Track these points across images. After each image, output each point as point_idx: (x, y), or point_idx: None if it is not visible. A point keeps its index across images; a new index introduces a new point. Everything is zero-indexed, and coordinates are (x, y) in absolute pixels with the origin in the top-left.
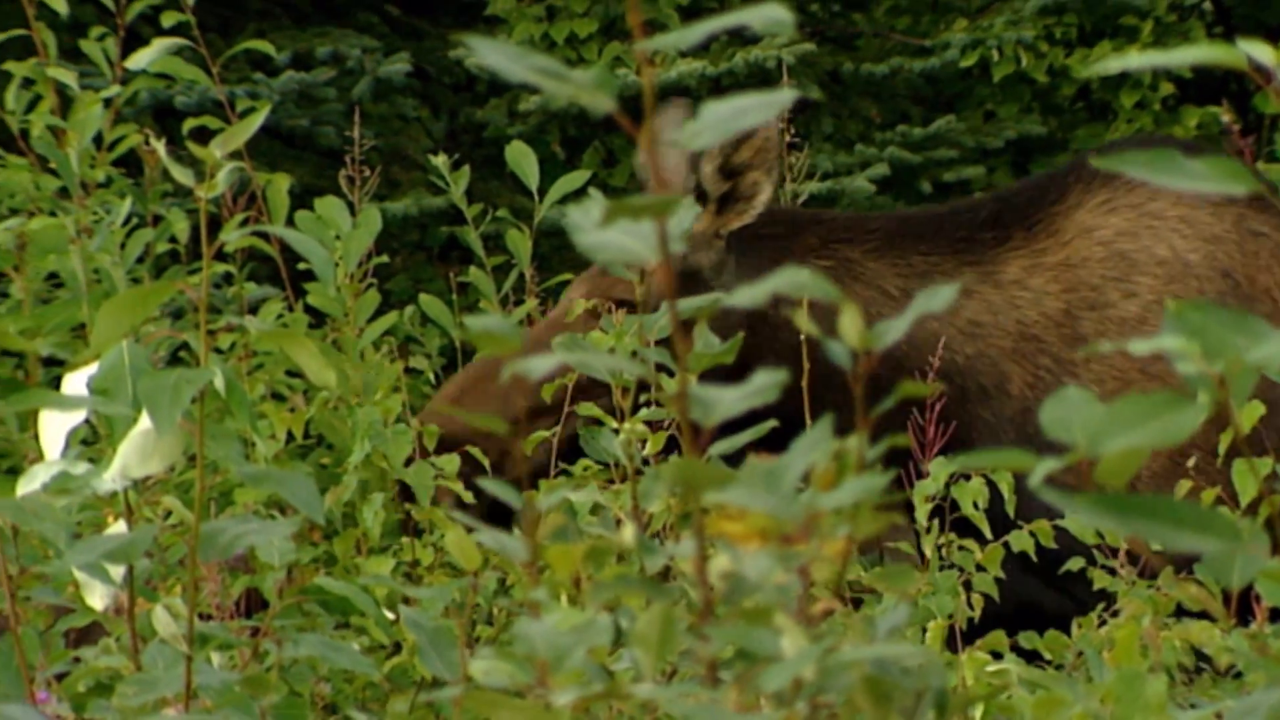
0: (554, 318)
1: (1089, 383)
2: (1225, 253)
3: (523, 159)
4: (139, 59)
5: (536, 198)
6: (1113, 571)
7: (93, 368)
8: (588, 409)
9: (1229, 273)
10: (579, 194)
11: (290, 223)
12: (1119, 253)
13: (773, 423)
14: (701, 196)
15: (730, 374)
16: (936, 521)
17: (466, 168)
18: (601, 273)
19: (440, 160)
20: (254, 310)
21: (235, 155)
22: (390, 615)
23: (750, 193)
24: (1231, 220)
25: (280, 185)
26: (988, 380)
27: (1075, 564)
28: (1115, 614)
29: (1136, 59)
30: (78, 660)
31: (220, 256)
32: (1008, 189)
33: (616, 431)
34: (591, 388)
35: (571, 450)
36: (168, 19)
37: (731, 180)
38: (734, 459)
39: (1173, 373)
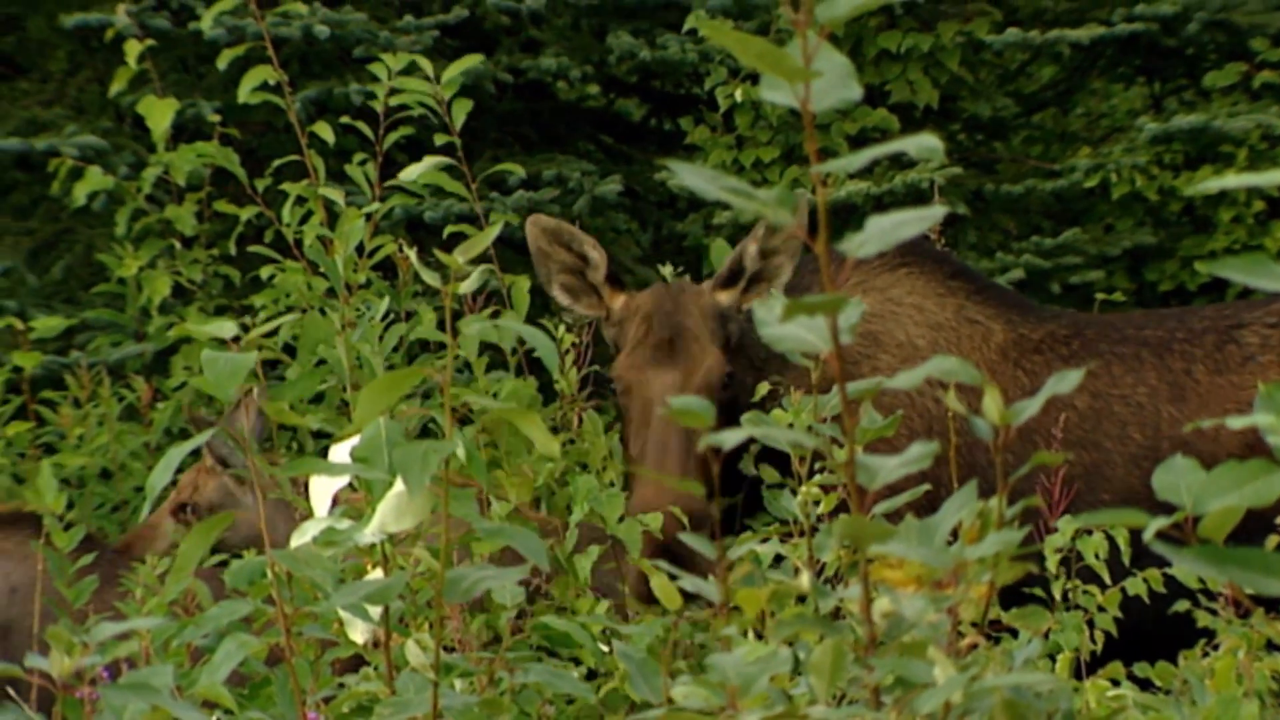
0: None
1: None
2: (945, 338)
3: (724, 255)
4: (409, 173)
5: None
6: (1214, 612)
7: (355, 439)
8: (769, 474)
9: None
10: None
11: (529, 319)
12: (870, 333)
13: (926, 487)
14: (738, 274)
15: None
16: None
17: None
18: None
19: (666, 271)
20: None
21: (484, 259)
22: (604, 648)
23: (774, 274)
24: (953, 309)
25: (523, 286)
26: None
27: (1181, 606)
28: (1216, 648)
29: (1233, 180)
30: (342, 686)
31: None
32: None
33: (795, 493)
34: None
35: None
36: (440, 138)
37: (764, 260)
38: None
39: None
